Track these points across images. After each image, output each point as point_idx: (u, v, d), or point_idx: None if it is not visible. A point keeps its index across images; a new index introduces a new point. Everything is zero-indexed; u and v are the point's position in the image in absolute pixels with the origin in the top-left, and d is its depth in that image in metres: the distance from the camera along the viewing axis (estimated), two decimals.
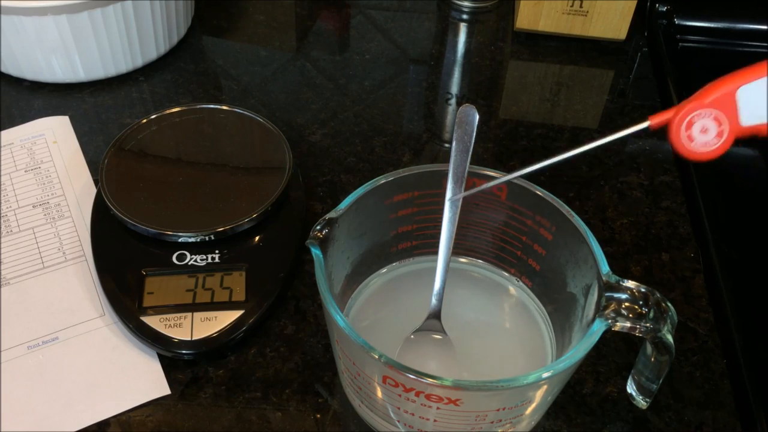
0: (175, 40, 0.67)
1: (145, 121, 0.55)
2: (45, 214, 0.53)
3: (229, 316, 0.46)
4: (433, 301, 0.42)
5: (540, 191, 0.41)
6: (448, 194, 0.41)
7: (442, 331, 0.42)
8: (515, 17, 0.70)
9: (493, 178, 0.42)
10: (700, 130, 0.32)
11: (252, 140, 0.55)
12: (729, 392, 0.45)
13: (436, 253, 0.43)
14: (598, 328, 0.36)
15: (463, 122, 0.42)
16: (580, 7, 0.67)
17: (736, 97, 0.32)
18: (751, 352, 0.46)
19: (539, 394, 0.37)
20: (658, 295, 0.37)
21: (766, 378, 0.45)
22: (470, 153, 0.41)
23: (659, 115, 0.33)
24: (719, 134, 0.32)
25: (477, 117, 0.42)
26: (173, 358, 0.45)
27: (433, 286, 0.42)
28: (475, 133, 0.41)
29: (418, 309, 0.43)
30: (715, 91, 0.32)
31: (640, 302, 0.36)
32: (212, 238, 0.48)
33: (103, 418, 0.43)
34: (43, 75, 0.62)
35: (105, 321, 0.47)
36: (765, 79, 0.31)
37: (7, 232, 0.52)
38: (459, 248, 0.46)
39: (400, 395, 0.36)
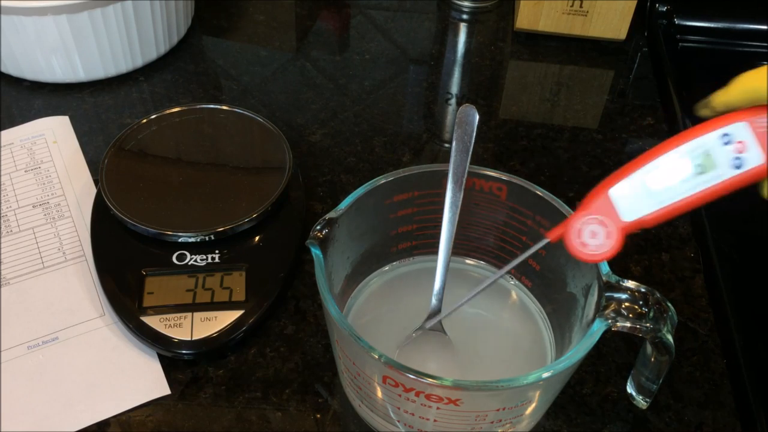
0: (175, 40, 0.67)
1: (145, 121, 0.55)
2: (45, 214, 0.53)
3: (229, 316, 0.46)
4: (433, 301, 0.42)
5: (540, 191, 0.41)
6: (448, 195, 0.41)
7: (442, 331, 0.42)
8: (515, 17, 0.70)
9: (492, 178, 0.42)
10: (590, 236, 0.35)
11: (252, 140, 0.55)
12: (729, 392, 0.45)
13: (436, 253, 0.43)
14: (598, 328, 0.36)
15: (463, 122, 0.42)
16: (580, 7, 0.67)
17: (612, 199, 0.35)
18: (751, 352, 0.46)
19: (539, 394, 0.37)
20: (658, 295, 0.37)
21: (766, 378, 0.45)
22: (470, 153, 0.41)
23: (554, 230, 0.37)
24: (608, 235, 0.35)
25: (477, 117, 0.42)
26: (173, 358, 0.45)
27: (433, 286, 0.42)
28: (475, 133, 0.41)
29: (418, 309, 0.43)
30: (593, 198, 0.35)
31: (640, 302, 0.36)
32: (212, 238, 0.48)
33: (103, 418, 0.43)
34: (43, 75, 0.62)
35: (105, 321, 0.47)
36: (629, 179, 0.34)
37: (7, 232, 0.52)
38: (459, 248, 0.46)
39: (400, 395, 0.36)
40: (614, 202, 0.35)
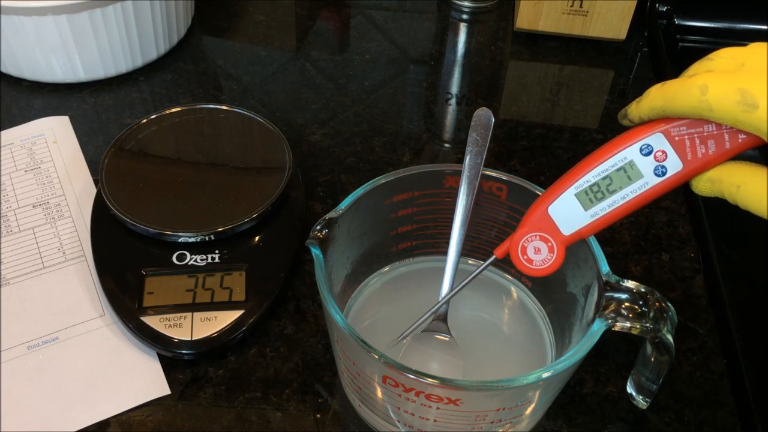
0: (175, 40, 0.67)
1: (145, 121, 0.55)
2: (45, 214, 0.53)
3: (229, 316, 0.46)
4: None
5: (540, 191, 0.41)
6: (461, 201, 0.41)
7: (448, 333, 0.42)
8: (515, 17, 0.70)
9: (492, 178, 0.42)
10: (534, 252, 0.37)
11: (252, 140, 0.55)
12: (729, 392, 0.45)
13: (435, 253, 0.43)
14: (598, 328, 0.36)
15: (479, 125, 0.42)
16: (580, 7, 0.67)
17: (550, 215, 0.37)
18: (751, 352, 0.46)
19: (539, 394, 0.37)
20: (658, 295, 0.37)
21: (766, 378, 0.45)
22: (484, 156, 0.41)
23: (501, 247, 0.38)
24: (551, 249, 0.37)
25: (492, 120, 0.42)
26: (173, 358, 0.45)
27: (441, 287, 0.42)
28: (489, 136, 0.41)
29: (418, 309, 0.43)
30: (532, 215, 0.37)
31: (640, 302, 0.36)
32: (212, 238, 0.48)
33: (103, 418, 0.43)
34: (43, 75, 0.62)
35: (105, 321, 0.47)
36: (563, 194, 0.36)
37: (7, 232, 0.52)
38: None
39: (400, 395, 0.36)
40: (553, 218, 0.37)
